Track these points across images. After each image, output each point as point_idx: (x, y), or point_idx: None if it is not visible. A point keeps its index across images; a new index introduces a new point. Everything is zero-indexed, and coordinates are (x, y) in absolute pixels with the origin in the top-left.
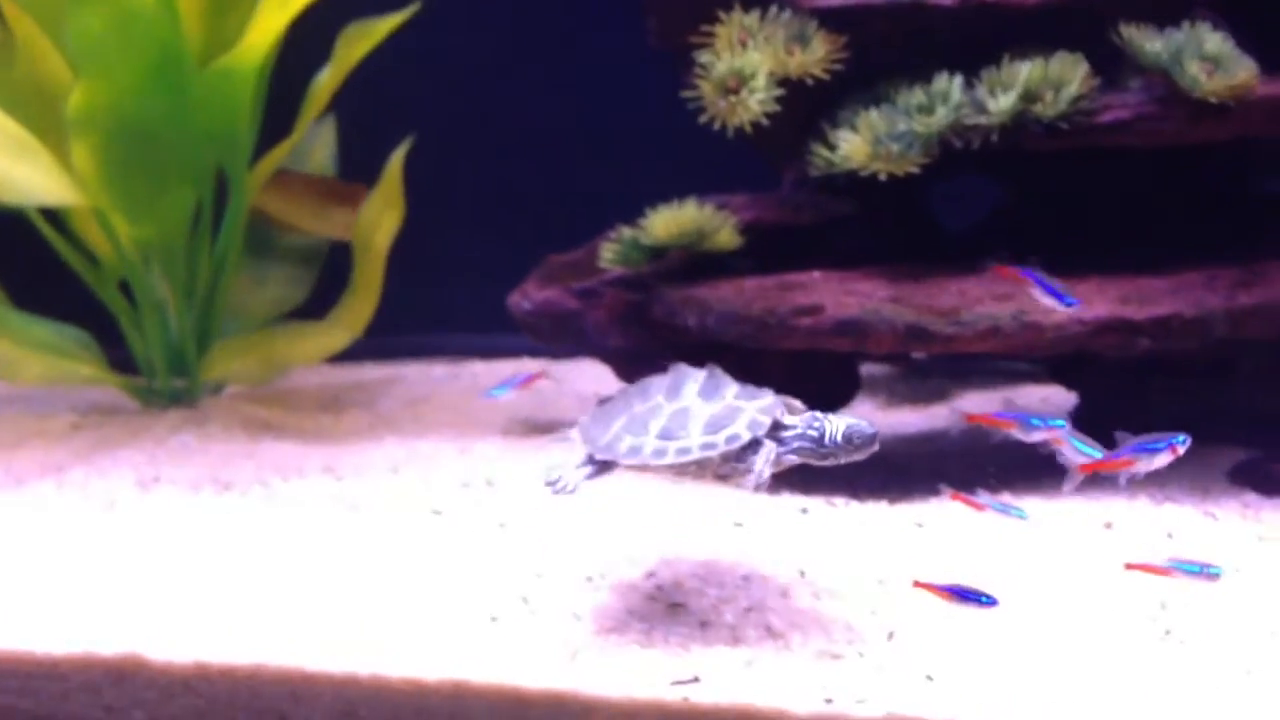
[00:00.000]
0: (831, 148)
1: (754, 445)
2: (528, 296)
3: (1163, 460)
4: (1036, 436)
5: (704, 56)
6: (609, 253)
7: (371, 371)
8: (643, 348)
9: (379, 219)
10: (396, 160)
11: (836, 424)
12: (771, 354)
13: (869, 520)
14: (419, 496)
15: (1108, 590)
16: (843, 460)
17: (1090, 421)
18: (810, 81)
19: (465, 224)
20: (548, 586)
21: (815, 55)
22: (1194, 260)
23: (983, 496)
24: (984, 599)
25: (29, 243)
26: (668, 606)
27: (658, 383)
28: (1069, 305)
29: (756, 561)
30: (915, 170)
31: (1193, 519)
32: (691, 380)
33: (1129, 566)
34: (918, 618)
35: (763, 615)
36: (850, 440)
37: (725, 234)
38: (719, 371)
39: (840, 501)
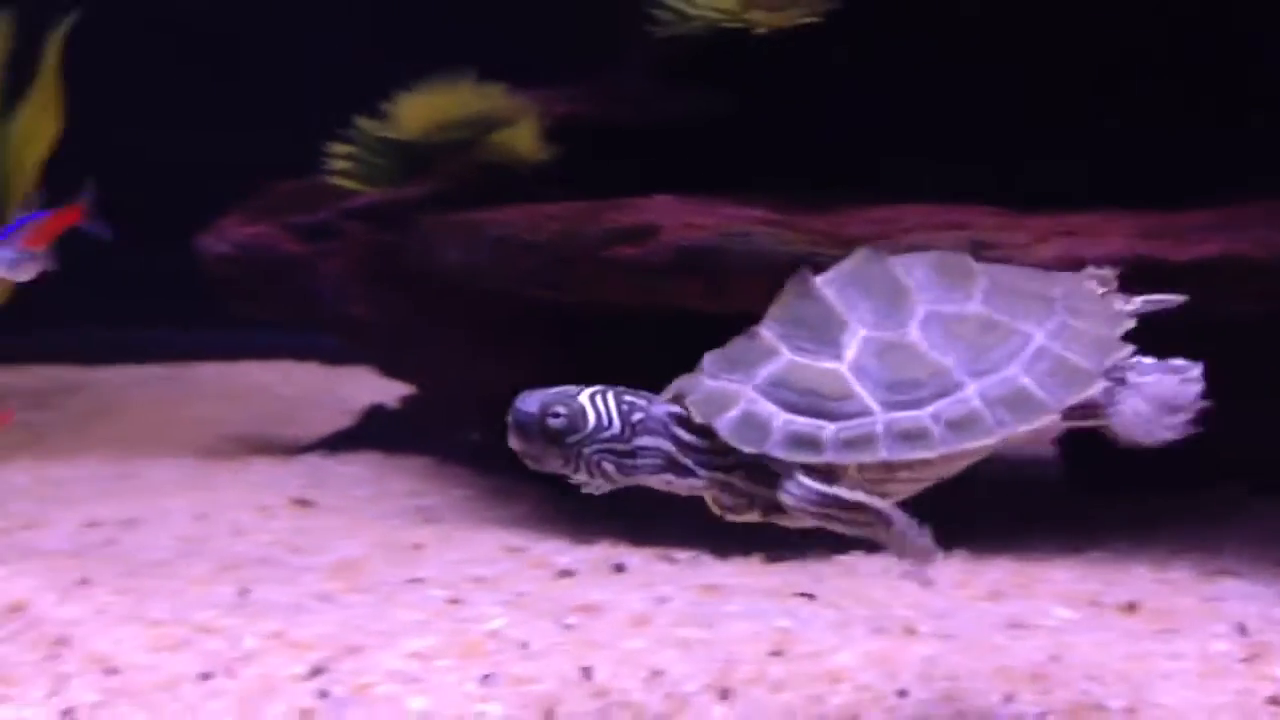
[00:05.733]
0: None
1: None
2: (225, 236)
3: None
4: None
5: None
6: (341, 161)
7: (58, 375)
8: (404, 319)
9: (36, 126)
10: (54, 47)
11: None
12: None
13: None
14: None
15: None
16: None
17: None
18: None
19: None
20: None
21: None
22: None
23: None
24: None
25: None
26: None
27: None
28: None
29: None
30: (814, 20)
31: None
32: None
33: None
34: None
35: None
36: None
37: (524, 135)
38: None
39: None
